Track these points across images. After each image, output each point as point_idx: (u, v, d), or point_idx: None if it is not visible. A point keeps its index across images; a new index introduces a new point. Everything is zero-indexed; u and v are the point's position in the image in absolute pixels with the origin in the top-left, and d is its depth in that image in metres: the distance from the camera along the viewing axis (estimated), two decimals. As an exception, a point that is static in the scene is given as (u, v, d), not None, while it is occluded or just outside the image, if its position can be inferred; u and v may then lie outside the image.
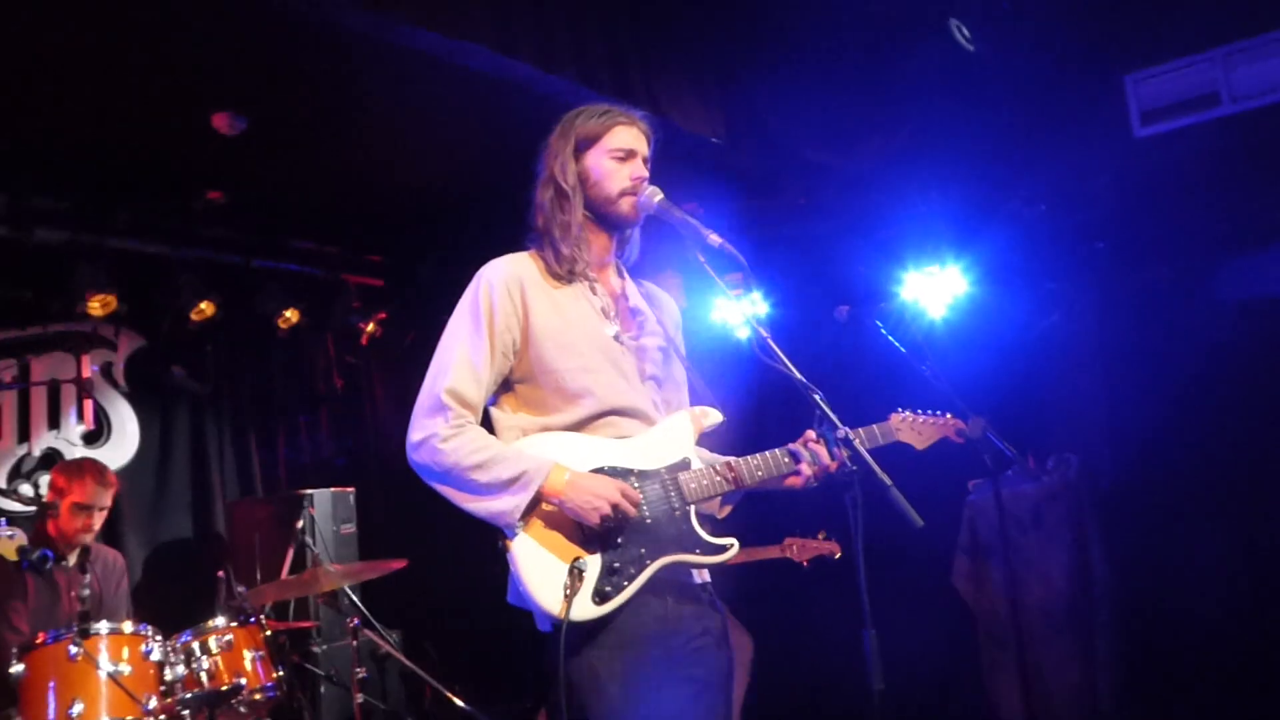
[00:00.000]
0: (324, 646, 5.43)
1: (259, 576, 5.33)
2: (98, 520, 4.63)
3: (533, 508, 2.40)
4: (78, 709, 3.58)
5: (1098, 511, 5.12)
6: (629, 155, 2.64)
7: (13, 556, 2.43)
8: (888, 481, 2.34)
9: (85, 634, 3.69)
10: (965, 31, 5.15)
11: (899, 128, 5.84)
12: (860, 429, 2.70)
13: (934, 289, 5.68)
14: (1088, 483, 5.14)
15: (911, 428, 2.87)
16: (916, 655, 4.16)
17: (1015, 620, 4.79)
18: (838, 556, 5.24)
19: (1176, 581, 5.06)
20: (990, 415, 3.98)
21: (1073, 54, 5.37)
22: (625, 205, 2.62)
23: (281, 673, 4.15)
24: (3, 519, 2.42)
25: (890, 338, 4.70)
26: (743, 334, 6.23)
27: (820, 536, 5.25)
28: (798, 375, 2.45)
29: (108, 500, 4.67)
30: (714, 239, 2.52)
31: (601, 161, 2.63)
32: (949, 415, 2.93)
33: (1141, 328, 5.44)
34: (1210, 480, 5.04)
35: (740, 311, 5.95)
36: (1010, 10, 5.20)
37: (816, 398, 2.44)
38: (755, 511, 2.59)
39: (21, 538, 2.34)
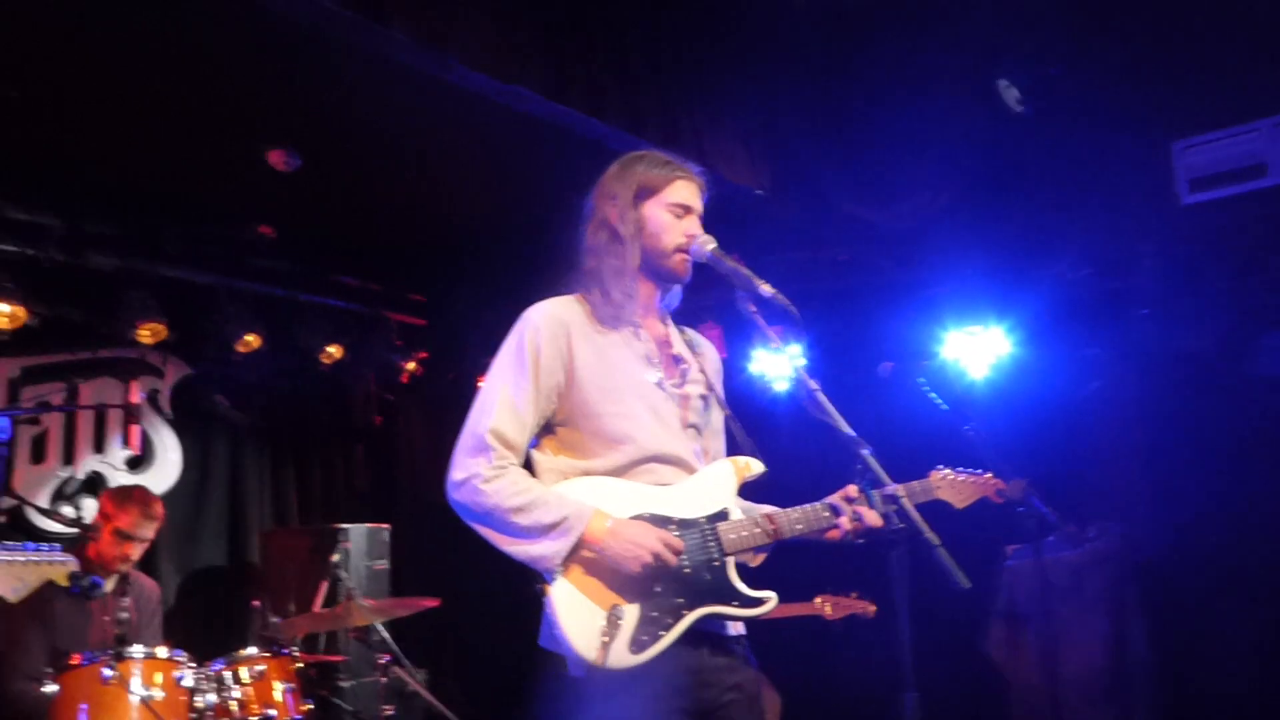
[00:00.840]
0: (352, 682, 5.42)
1: (293, 608, 5.35)
2: (137, 551, 4.65)
3: (572, 553, 2.39)
4: (108, 733, 3.59)
5: (1138, 583, 5.02)
6: (686, 211, 2.65)
7: (64, 582, 2.45)
8: (935, 541, 2.31)
9: (120, 657, 3.71)
10: (1015, 93, 5.17)
11: (944, 186, 5.85)
12: (899, 485, 2.68)
13: (976, 349, 5.66)
14: (1129, 553, 5.05)
15: (951, 486, 2.84)
16: (947, 718, 4.07)
17: (1052, 690, 4.69)
18: (871, 615, 5.19)
19: (1216, 659, 4.94)
20: (1031, 479, 3.94)
21: (1121, 119, 5.37)
22: (677, 261, 2.63)
23: (310, 706, 4.14)
24: (57, 545, 2.45)
25: (933, 395, 4.67)
26: (781, 386, 6.22)
27: (853, 595, 5.20)
28: (846, 428, 2.43)
29: (150, 533, 4.69)
30: (766, 289, 2.52)
31: (659, 214, 2.63)
32: (989, 475, 2.90)
33: (1183, 399, 5.36)
34: (1252, 557, 4.94)
35: (783, 364, 6.00)
36: (1060, 74, 5.21)
37: (864, 453, 2.41)
38: (787, 566, 2.57)
39: (73, 564, 2.36)
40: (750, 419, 2.74)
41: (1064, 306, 5.62)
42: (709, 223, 2.68)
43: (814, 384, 2.50)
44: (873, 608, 5.16)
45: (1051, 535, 5.08)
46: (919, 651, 2.36)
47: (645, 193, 2.65)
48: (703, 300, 2.92)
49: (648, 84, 5.06)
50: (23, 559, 2.32)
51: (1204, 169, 5.30)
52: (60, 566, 2.37)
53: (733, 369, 6.24)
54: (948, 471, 2.86)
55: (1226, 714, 4.84)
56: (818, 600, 5.18)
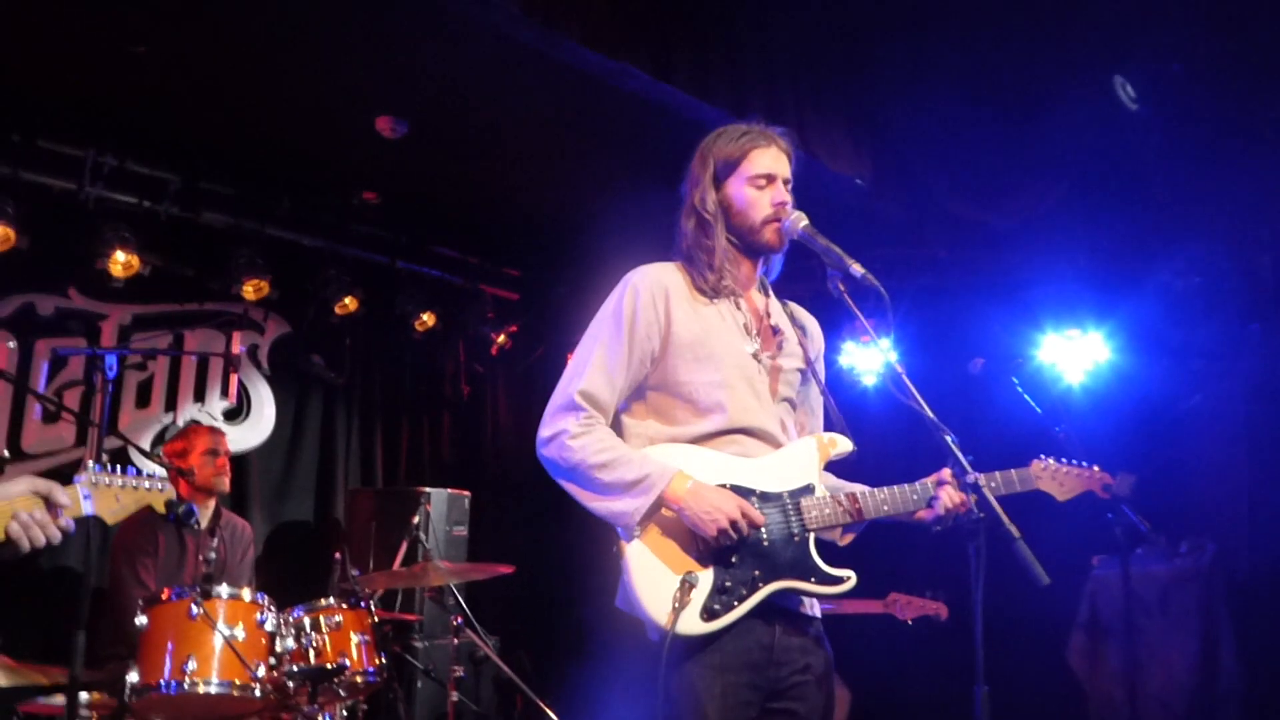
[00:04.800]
0: (425, 642, 5.53)
1: (372, 564, 5.48)
2: (227, 464, 5.01)
3: (652, 513, 2.40)
4: (191, 666, 3.70)
5: (1231, 603, 4.85)
6: (769, 180, 2.61)
7: (161, 509, 2.56)
8: (1015, 533, 2.26)
9: (206, 595, 3.82)
10: (1130, 90, 5.02)
11: (1050, 188, 5.72)
12: (997, 473, 2.63)
13: (1073, 353, 5.53)
14: (1222, 571, 4.87)
15: (1054, 477, 2.76)
16: (1023, 725, 4.00)
17: (1131, 707, 4.56)
18: (944, 618, 5.11)
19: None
20: (1135, 487, 3.82)
21: (1240, 123, 5.17)
22: (769, 233, 2.61)
23: (383, 660, 4.23)
24: (155, 472, 2.55)
25: (1026, 396, 4.57)
26: (869, 380, 6.15)
27: (927, 596, 5.13)
28: (930, 414, 2.40)
29: (226, 446, 5.08)
30: (857, 268, 2.49)
31: (742, 190, 2.61)
32: (1096, 468, 2.81)
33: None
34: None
35: (872, 357, 5.93)
36: (1180, 72, 5.04)
37: (948, 439, 2.38)
38: (860, 562, 2.54)
39: (170, 491, 2.46)
40: (840, 411, 2.71)
41: (1169, 315, 5.44)
42: (808, 211, 2.64)
43: (901, 368, 2.47)
44: (945, 610, 5.09)
45: (1140, 548, 4.94)
46: (993, 650, 2.33)
47: (725, 170, 2.63)
48: (793, 291, 2.88)
49: (753, 68, 5.05)
50: (120, 483, 2.41)
51: (1329, 179, 5.08)
52: (158, 494, 2.46)
53: (824, 361, 6.19)
54: (1051, 461, 2.77)
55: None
56: (890, 598, 5.13)
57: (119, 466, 2.43)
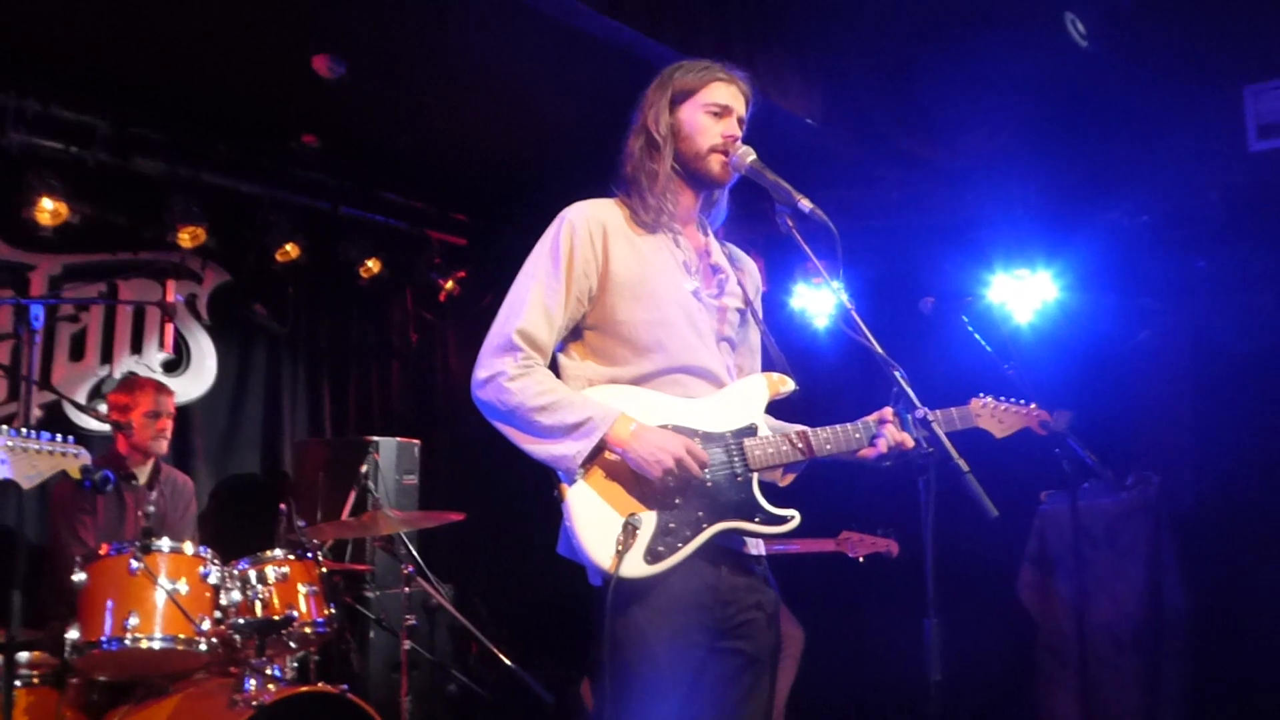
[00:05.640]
0: (377, 592, 5.48)
1: (319, 515, 5.40)
2: (168, 426, 4.83)
3: (594, 456, 2.35)
4: (133, 622, 3.63)
5: (1176, 534, 4.94)
6: (724, 112, 2.57)
7: (76, 475, 2.47)
8: (964, 467, 2.26)
9: (147, 549, 3.74)
10: (1081, 27, 4.98)
11: (1002, 124, 5.69)
12: (938, 410, 2.61)
13: (1022, 293, 5.55)
14: (1167, 504, 4.95)
15: (992, 414, 2.75)
16: (973, 658, 4.04)
17: (1079, 637, 4.63)
18: (894, 555, 5.16)
19: (1253, 615, 4.87)
20: (1073, 423, 3.85)
21: (1190, 60, 5.16)
22: (714, 163, 2.55)
23: (333, 611, 4.18)
24: (70, 437, 2.47)
25: (976, 335, 4.58)
26: (821, 323, 6.14)
27: (877, 533, 5.17)
28: (880, 350, 2.38)
29: (171, 407, 4.88)
30: (806, 203, 2.44)
31: (696, 115, 2.56)
32: (1034, 405, 2.81)
33: (1236, 353, 5.23)
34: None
35: (824, 299, 5.91)
36: (1131, 9, 5.01)
37: (897, 374, 2.37)
38: (810, 500, 2.52)
39: (85, 457, 2.38)
40: (789, 354, 2.67)
41: (1118, 253, 5.47)
42: (759, 150, 2.58)
43: (851, 304, 2.44)
44: (896, 547, 5.13)
45: (1088, 481, 5.01)
46: (945, 584, 2.33)
47: (681, 96, 2.59)
48: (744, 233, 2.83)
49: (703, 4, 4.94)
50: (35, 447, 2.33)
51: (1275, 115, 5.10)
52: (73, 459, 2.38)
53: (773, 303, 6.17)
54: (989, 399, 2.77)
55: (1259, 670, 4.76)
56: (841, 536, 5.16)
57: (35, 431, 2.34)
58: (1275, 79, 5.12)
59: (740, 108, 2.61)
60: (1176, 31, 5.07)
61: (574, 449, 2.33)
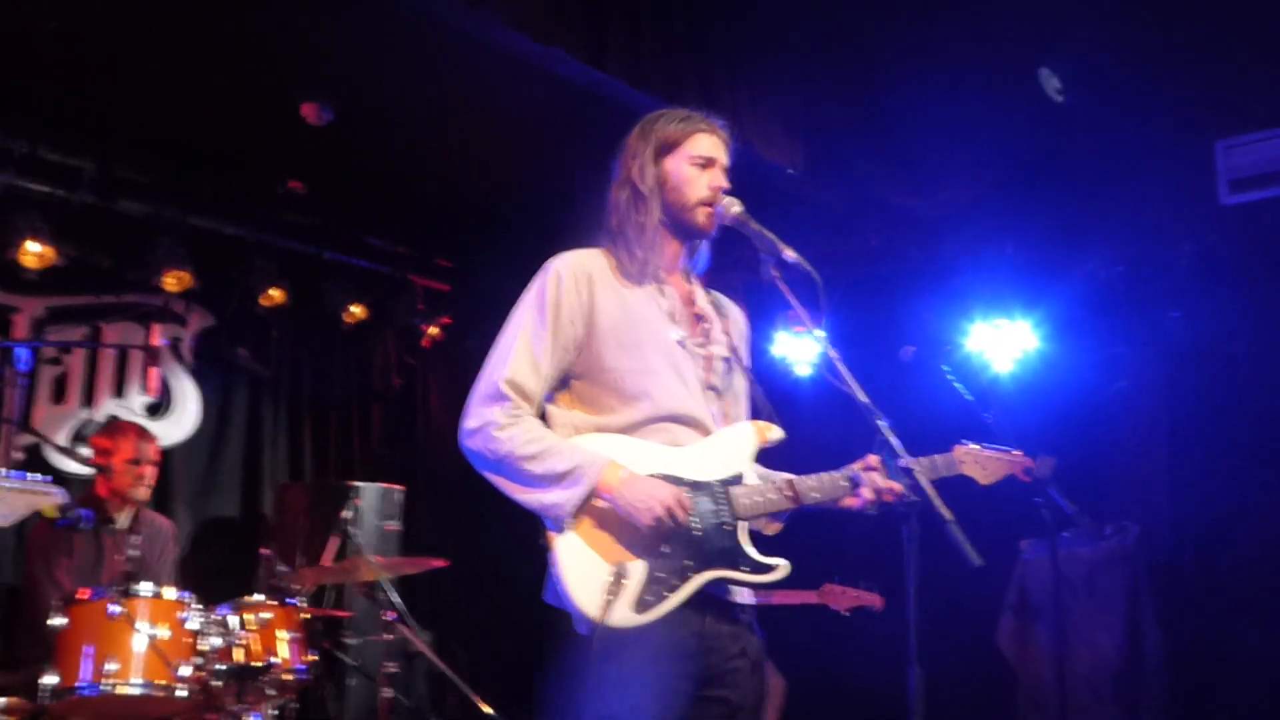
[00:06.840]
0: (357, 639, 5.43)
1: (300, 559, 5.36)
2: (150, 473, 4.78)
3: (584, 503, 2.36)
4: (111, 667, 3.60)
5: (1154, 584, 4.97)
6: (709, 163, 2.61)
7: (52, 514, 2.45)
8: (948, 516, 2.27)
9: (127, 594, 3.72)
10: (1056, 82, 5.09)
11: (979, 175, 5.79)
12: (922, 459, 2.63)
13: (1001, 342, 5.60)
14: (1145, 553, 4.99)
15: (976, 461, 2.77)
16: (955, 708, 4.04)
17: (1060, 687, 4.64)
18: (879, 609, 5.13)
19: (1230, 666, 4.88)
20: (1055, 470, 3.88)
21: (1164, 115, 5.28)
22: (701, 215, 2.59)
23: (314, 657, 4.15)
24: (49, 477, 2.45)
25: (956, 383, 4.62)
26: (803, 370, 6.18)
27: (861, 587, 5.14)
28: (863, 398, 2.40)
29: (153, 454, 4.83)
30: (790, 253, 2.48)
31: (681, 167, 2.60)
32: (1018, 452, 2.83)
33: (1212, 403, 5.29)
34: (1273, 563, 4.88)
35: (806, 347, 5.95)
36: (1104, 65, 5.13)
37: (881, 424, 2.39)
38: (795, 552, 2.53)
39: (61, 496, 2.36)
40: (771, 402, 2.70)
41: (1094, 303, 5.55)
42: (741, 198, 2.62)
43: (834, 353, 2.47)
44: (880, 601, 5.11)
45: (1068, 530, 5.03)
46: (926, 633, 2.33)
47: (666, 148, 2.61)
48: (726, 280, 2.87)
49: (687, 55, 5.02)
50: (11, 486, 2.31)
51: (1246, 170, 5.23)
52: (48, 498, 2.36)
53: (755, 350, 6.20)
54: (974, 446, 2.78)
55: (1237, 718, 4.78)
56: (824, 588, 5.14)
57: (6, 471, 2.33)
58: (1245, 134, 5.23)
59: (723, 157, 2.64)
60: (1149, 87, 5.19)
61: (564, 497, 2.34)
